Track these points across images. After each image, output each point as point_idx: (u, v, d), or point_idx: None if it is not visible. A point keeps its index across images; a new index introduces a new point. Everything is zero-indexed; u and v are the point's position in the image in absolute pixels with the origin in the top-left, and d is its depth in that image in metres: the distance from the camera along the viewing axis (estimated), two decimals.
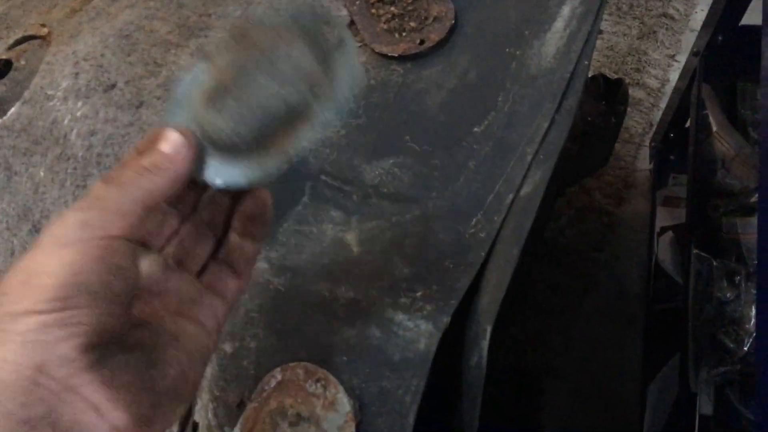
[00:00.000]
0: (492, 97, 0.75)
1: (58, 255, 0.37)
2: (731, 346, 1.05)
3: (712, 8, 1.29)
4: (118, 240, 0.39)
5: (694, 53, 1.35)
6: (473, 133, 0.73)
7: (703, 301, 1.11)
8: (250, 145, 0.45)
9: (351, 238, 0.66)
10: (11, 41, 0.85)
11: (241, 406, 0.59)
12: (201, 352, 0.44)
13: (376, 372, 0.59)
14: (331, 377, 0.57)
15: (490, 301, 0.60)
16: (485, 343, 0.59)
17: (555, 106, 0.72)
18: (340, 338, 0.60)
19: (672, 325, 1.23)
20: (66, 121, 0.75)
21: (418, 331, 0.59)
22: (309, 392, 0.56)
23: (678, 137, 1.62)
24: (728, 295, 1.09)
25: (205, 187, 0.47)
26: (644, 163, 1.84)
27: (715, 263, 1.12)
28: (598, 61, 2.01)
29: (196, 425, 0.63)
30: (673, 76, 1.97)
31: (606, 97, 1.25)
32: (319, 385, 0.57)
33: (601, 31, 2.08)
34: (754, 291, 1.04)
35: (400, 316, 0.60)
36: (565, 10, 0.80)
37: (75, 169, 0.73)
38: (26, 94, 0.78)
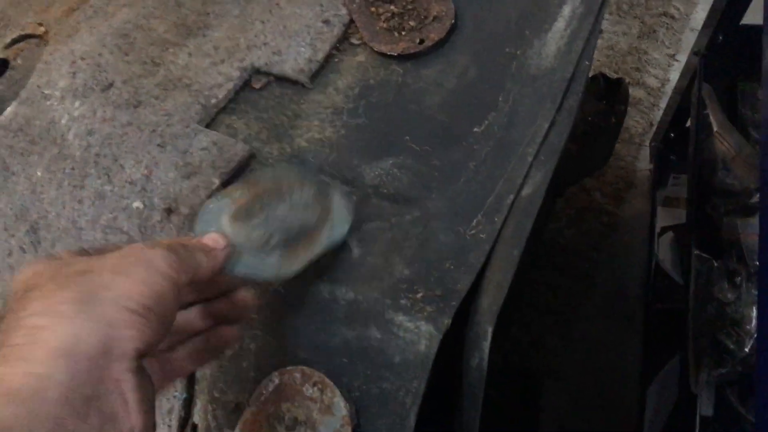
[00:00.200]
0: (492, 97, 0.75)
1: (147, 271, 0.43)
2: (732, 347, 1.05)
3: (712, 8, 1.28)
4: (178, 288, 0.45)
5: (694, 53, 1.35)
6: (473, 133, 0.73)
7: (703, 302, 1.10)
8: (274, 247, 0.57)
9: (351, 239, 0.66)
10: (8, 40, 0.85)
11: (237, 408, 0.58)
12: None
13: (377, 374, 0.58)
14: (328, 381, 0.56)
15: (490, 302, 0.60)
16: (486, 345, 0.58)
17: (555, 106, 0.72)
18: (340, 340, 0.60)
19: (672, 325, 1.23)
20: (63, 121, 0.74)
21: (419, 332, 0.59)
22: (306, 396, 0.56)
23: (678, 137, 1.61)
24: (729, 295, 1.08)
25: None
26: (644, 162, 1.84)
27: (715, 264, 1.11)
28: (599, 60, 2.00)
29: (195, 427, 0.62)
30: (674, 75, 1.97)
31: (606, 96, 1.25)
32: (316, 388, 0.56)
33: (601, 30, 2.07)
34: (754, 292, 1.04)
35: (400, 318, 0.60)
36: (566, 10, 0.79)
37: (73, 169, 0.72)
38: (23, 93, 0.78)
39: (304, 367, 0.57)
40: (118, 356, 0.40)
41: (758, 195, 1.08)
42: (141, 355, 0.41)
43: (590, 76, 1.22)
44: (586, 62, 0.75)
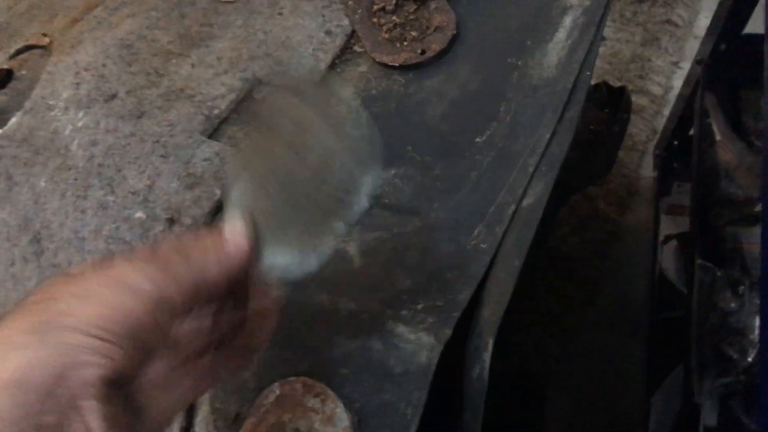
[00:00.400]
0: (494, 107, 0.75)
1: (118, 293, 0.40)
2: (735, 356, 1.04)
3: (714, 17, 1.28)
4: (167, 304, 0.42)
5: (697, 61, 1.35)
6: (475, 143, 0.73)
7: (706, 311, 1.10)
8: (301, 231, 0.50)
9: (352, 249, 0.66)
10: (12, 51, 0.85)
11: (237, 419, 0.58)
12: (169, 418, 0.48)
13: (378, 385, 0.58)
14: (330, 392, 0.56)
15: (491, 313, 0.60)
16: (487, 356, 0.58)
17: (557, 116, 0.72)
18: (341, 350, 0.60)
19: (676, 334, 1.23)
20: (67, 132, 0.75)
21: (420, 343, 0.59)
22: (307, 407, 0.56)
23: (682, 145, 1.61)
24: (732, 305, 1.08)
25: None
26: (648, 170, 1.84)
27: (718, 273, 1.11)
28: (602, 68, 2.00)
29: None
30: (677, 83, 1.97)
31: (609, 104, 1.25)
32: (317, 399, 0.56)
33: (604, 38, 2.08)
34: (757, 301, 1.03)
35: (401, 329, 0.60)
36: (567, 21, 0.80)
37: (76, 179, 0.73)
38: (27, 104, 0.78)
39: (306, 378, 0.57)
40: (79, 384, 0.37)
41: (760, 204, 1.08)
42: (112, 382, 0.39)
43: (593, 84, 1.23)
44: (588, 72, 0.75)
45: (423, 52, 0.80)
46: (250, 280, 0.49)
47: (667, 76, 2.01)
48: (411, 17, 0.83)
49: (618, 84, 1.32)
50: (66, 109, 0.76)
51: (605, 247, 1.74)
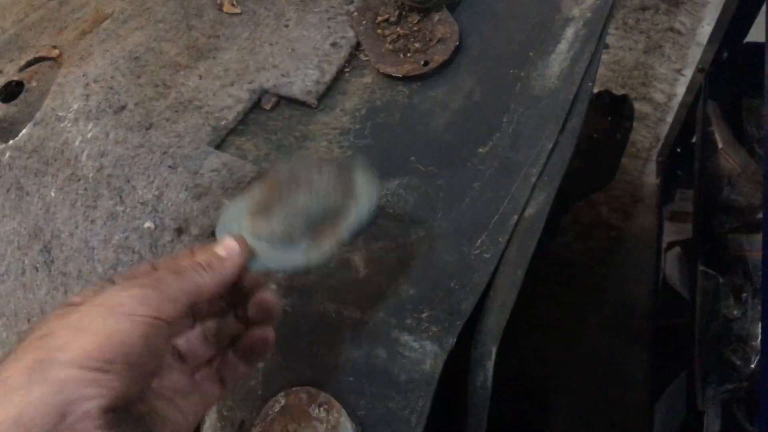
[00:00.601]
0: (496, 118, 0.76)
1: (111, 321, 0.41)
2: (738, 363, 1.05)
3: (716, 25, 1.29)
4: (163, 324, 0.43)
5: (699, 70, 1.36)
6: (478, 153, 0.74)
7: (709, 318, 1.11)
8: (299, 236, 0.55)
9: (357, 259, 0.67)
10: (23, 62, 0.87)
11: (243, 427, 0.59)
12: (187, 430, 0.49)
13: (382, 393, 0.59)
14: (335, 401, 0.57)
15: (495, 322, 0.61)
16: (490, 364, 0.59)
17: (559, 127, 0.73)
18: (346, 359, 0.61)
19: (679, 341, 1.23)
20: (77, 143, 0.76)
21: (424, 352, 0.60)
22: (312, 416, 0.57)
23: (685, 152, 1.62)
24: (735, 312, 1.09)
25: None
26: (651, 177, 1.84)
27: (721, 280, 1.12)
28: (605, 75, 2.01)
29: None
30: (680, 90, 1.98)
31: (611, 113, 1.26)
32: (322, 409, 0.57)
33: (607, 45, 2.09)
34: (760, 308, 1.04)
35: (405, 337, 0.61)
36: (569, 33, 0.81)
37: (85, 189, 0.74)
38: (37, 115, 0.79)
39: (311, 388, 0.58)
40: (80, 418, 0.38)
41: (762, 211, 1.09)
42: (113, 409, 0.39)
43: (595, 92, 1.24)
44: (589, 83, 0.76)
45: (426, 64, 0.81)
46: (245, 284, 0.52)
47: (670, 83, 2.02)
48: (415, 29, 0.84)
49: (621, 92, 1.33)
50: (76, 120, 0.78)
51: (608, 253, 1.74)
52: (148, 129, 0.76)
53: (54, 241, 0.74)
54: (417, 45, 0.83)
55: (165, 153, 0.74)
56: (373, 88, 0.81)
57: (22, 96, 0.82)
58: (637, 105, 1.94)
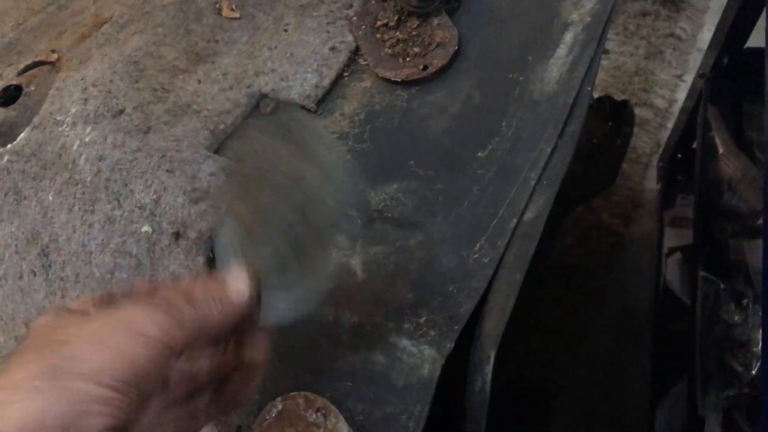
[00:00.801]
0: (495, 122, 0.76)
1: (127, 339, 0.41)
2: (739, 369, 1.04)
3: (717, 30, 1.29)
4: (170, 351, 0.43)
5: (699, 75, 1.36)
6: (477, 157, 0.74)
7: (710, 324, 1.10)
8: (293, 264, 0.51)
9: (355, 263, 0.67)
10: (22, 67, 0.87)
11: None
12: None
13: (380, 397, 0.59)
14: (332, 406, 0.57)
15: (493, 326, 0.61)
16: (489, 369, 0.59)
17: (558, 131, 0.73)
18: (344, 363, 0.61)
19: (681, 346, 1.23)
20: (75, 147, 0.76)
21: (422, 356, 0.59)
22: (309, 422, 0.57)
23: (685, 158, 1.62)
24: (736, 317, 1.08)
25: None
26: (652, 183, 1.84)
27: (722, 285, 1.11)
28: (605, 81, 2.01)
29: None
30: (681, 95, 1.98)
31: (612, 118, 1.26)
32: (319, 414, 0.57)
33: (607, 51, 2.09)
34: (761, 313, 1.04)
35: (403, 342, 0.60)
36: (568, 37, 0.81)
37: (83, 193, 0.74)
38: (36, 119, 0.79)
39: (308, 393, 0.58)
40: None
41: (763, 217, 1.08)
42: (114, 430, 0.40)
43: (596, 97, 1.24)
44: (588, 88, 0.76)
45: (425, 68, 0.81)
46: (249, 327, 0.51)
47: (671, 89, 2.02)
48: (414, 33, 0.84)
49: (621, 97, 1.33)
50: (74, 124, 0.78)
51: (610, 258, 1.74)
52: (146, 133, 0.76)
53: (52, 245, 0.74)
54: (416, 49, 0.83)
55: (163, 157, 0.74)
56: (372, 93, 0.81)
57: (20, 100, 0.82)
58: (637, 110, 1.94)
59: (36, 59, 0.87)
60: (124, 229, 0.71)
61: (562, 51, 0.80)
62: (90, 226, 0.73)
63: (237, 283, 0.49)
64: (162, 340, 0.42)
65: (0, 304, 0.78)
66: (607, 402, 1.50)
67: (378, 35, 0.85)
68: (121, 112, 0.78)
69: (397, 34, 0.85)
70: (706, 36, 2.09)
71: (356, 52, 0.85)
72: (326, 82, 0.81)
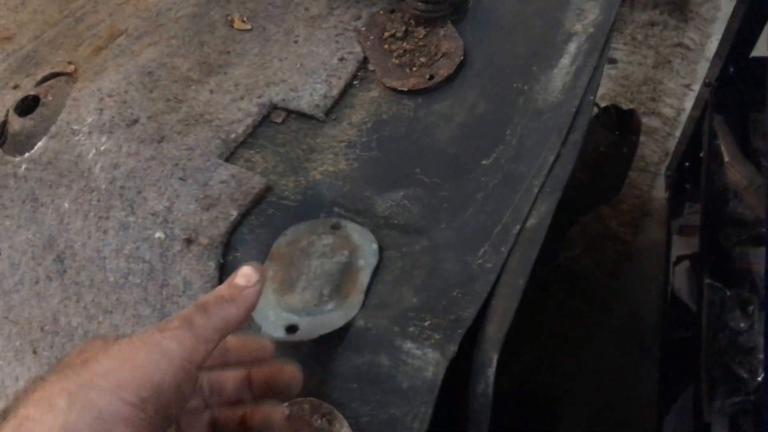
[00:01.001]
0: (500, 130, 0.78)
1: (151, 357, 0.43)
2: (745, 375, 1.05)
3: (722, 40, 1.30)
4: (194, 369, 0.45)
5: (705, 84, 1.37)
6: (481, 165, 0.75)
7: (716, 331, 1.11)
8: (328, 298, 0.64)
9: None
10: (39, 78, 0.89)
11: None
12: None
13: (386, 399, 0.60)
14: (336, 412, 0.58)
15: (496, 330, 0.62)
16: (491, 371, 0.60)
17: (561, 139, 0.74)
18: (350, 366, 0.62)
19: (688, 354, 1.23)
20: (90, 155, 0.78)
21: (426, 359, 0.61)
22: (315, 427, 0.58)
23: (693, 167, 1.62)
24: (741, 324, 1.09)
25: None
26: (660, 191, 1.85)
27: (728, 293, 1.12)
28: (614, 90, 2.03)
29: None
30: (689, 104, 1.98)
31: (619, 127, 1.27)
32: (324, 420, 0.58)
33: (616, 61, 2.11)
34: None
35: (408, 345, 0.62)
36: (572, 47, 0.82)
37: (98, 201, 0.76)
38: (53, 128, 0.82)
39: (313, 399, 0.59)
40: None
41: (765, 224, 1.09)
42: None
43: (603, 107, 1.25)
44: (591, 97, 0.77)
45: (431, 78, 0.82)
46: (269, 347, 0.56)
47: (679, 98, 2.02)
48: (420, 44, 0.86)
49: (630, 106, 1.34)
50: (90, 133, 0.80)
51: (618, 266, 1.75)
52: (159, 142, 0.78)
53: (67, 251, 0.76)
54: (422, 59, 0.85)
55: (176, 165, 0.76)
56: (380, 102, 0.83)
57: (38, 110, 0.84)
58: (646, 120, 1.95)
59: (53, 70, 0.90)
60: (137, 235, 0.73)
61: (565, 61, 0.81)
62: (104, 232, 0.75)
63: (242, 270, 0.51)
64: (186, 359, 0.44)
65: (17, 308, 0.80)
66: (613, 408, 1.51)
67: (386, 46, 0.87)
68: (136, 121, 0.80)
69: (404, 44, 0.87)
70: (713, 45, 2.10)
71: (364, 62, 0.87)
72: (335, 92, 0.83)
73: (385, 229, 0.71)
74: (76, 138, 0.80)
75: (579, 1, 0.86)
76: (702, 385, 1.09)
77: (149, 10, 0.95)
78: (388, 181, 0.75)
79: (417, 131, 0.79)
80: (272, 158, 0.78)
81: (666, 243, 1.65)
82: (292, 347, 0.64)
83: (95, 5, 0.99)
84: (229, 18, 0.93)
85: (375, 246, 0.68)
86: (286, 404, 0.60)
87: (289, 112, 0.82)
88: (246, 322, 0.51)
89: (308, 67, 0.86)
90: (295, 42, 0.90)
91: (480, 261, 0.67)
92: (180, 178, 0.75)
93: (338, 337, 0.63)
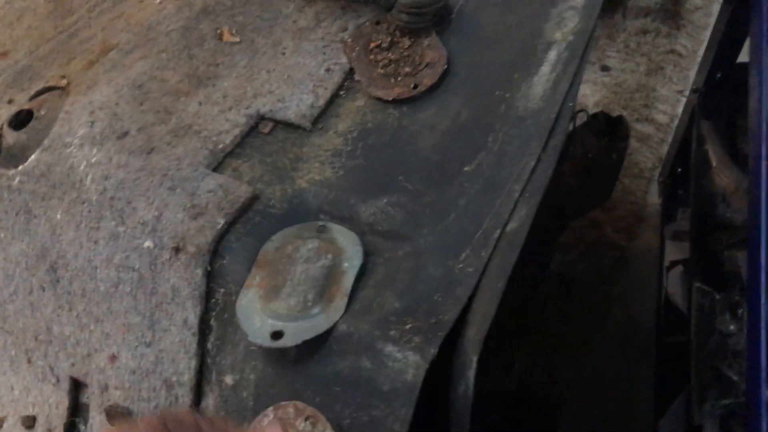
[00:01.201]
0: (482, 137, 0.79)
1: None
2: (735, 378, 1.05)
3: (708, 46, 1.32)
4: None
5: (693, 90, 1.38)
6: (464, 172, 0.77)
7: (706, 334, 1.12)
8: (313, 303, 0.66)
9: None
10: (33, 92, 0.91)
11: None
12: None
13: (367, 402, 0.61)
14: (320, 415, 0.60)
15: (476, 332, 0.63)
16: (471, 373, 0.61)
17: (541, 145, 0.76)
18: (333, 370, 0.63)
19: (682, 358, 1.24)
20: (82, 167, 0.80)
21: (407, 362, 0.62)
22: (299, 430, 0.59)
23: (685, 172, 1.63)
24: (731, 327, 1.09)
25: None
26: (655, 197, 1.86)
27: (717, 296, 1.13)
28: (607, 98, 2.04)
29: None
30: (682, 111, 2.00)
31: (607, 133, 1.28)
32: (308, 423, 0.59)
33: (609, 68, 2.12)
34: (747, 322, 1.05)
35: (389, 348, 0.63)
36: (552, 55, 0.84)
37: (89, 211, 0.78)
38: (46, 141, 0.83)
39: (297, 402, 0.61)
40: None
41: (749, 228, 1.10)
42: None
43: (591, 114, 1.26)
44: (570, 103, 0.79)
45: (415, 87, 0.84)
46: None
47: (672, 104, 2.04)
48: (405, 54, 0.88)
49: (623, 113, 1.35)
50: (81, 146, 0.82)
51: (613, 272, 1.75)
52: (149, 153, 0.80)
53: (60, 261, 0.78)
54: (407, 69, 0.86)
55: (165, 175, 0.77)
56: (365, 111, 0.85)
57: (31, 124, 0.86)
58: (639, 126, 1.97)
59: (47, 84, 0.92)
60: (127, 244, 0.75)
61: (545, 68, 0.83)
62: (95, 242, 0.76)
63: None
64: None
65: (11, 318, 0.82)
66: (611, 414, 1.51)
67: (371, 56, 0.88)
68: (126, 133, 0.82)
69: (390, 54, 0.88)
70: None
71: (350, 72, 0.88)
72: (321, 102, 0.85)
73: (369, 236, 0.72)
74: (68, 150, 0.82)
75: (559, 9, 0.87)
76: (693, 388, 1.09)
77: (141, 25, 0.97)
78: (372, 188, 0.77)
79: (401, 139, 0.81)
80: (259, 168, 0.80)
81: (659, 249, 1.66)
82: (277, 352, 0.65)
83: (89, 20, 1.01)
84: (219, 31, 0.95)
85: (359, 248, 0.70)
86: (271, 408, 0.62)
87: (277, 122, 0.84)
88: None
89: (295, 78, 0.87)
90: (283, 54, 0.91)
91: (461, 265, 0.69)
92: (169, 188, 0.76)
93: (322, 341, 0.65)
